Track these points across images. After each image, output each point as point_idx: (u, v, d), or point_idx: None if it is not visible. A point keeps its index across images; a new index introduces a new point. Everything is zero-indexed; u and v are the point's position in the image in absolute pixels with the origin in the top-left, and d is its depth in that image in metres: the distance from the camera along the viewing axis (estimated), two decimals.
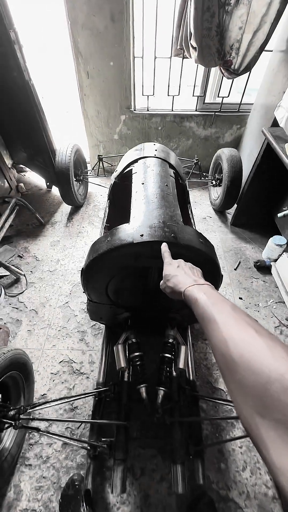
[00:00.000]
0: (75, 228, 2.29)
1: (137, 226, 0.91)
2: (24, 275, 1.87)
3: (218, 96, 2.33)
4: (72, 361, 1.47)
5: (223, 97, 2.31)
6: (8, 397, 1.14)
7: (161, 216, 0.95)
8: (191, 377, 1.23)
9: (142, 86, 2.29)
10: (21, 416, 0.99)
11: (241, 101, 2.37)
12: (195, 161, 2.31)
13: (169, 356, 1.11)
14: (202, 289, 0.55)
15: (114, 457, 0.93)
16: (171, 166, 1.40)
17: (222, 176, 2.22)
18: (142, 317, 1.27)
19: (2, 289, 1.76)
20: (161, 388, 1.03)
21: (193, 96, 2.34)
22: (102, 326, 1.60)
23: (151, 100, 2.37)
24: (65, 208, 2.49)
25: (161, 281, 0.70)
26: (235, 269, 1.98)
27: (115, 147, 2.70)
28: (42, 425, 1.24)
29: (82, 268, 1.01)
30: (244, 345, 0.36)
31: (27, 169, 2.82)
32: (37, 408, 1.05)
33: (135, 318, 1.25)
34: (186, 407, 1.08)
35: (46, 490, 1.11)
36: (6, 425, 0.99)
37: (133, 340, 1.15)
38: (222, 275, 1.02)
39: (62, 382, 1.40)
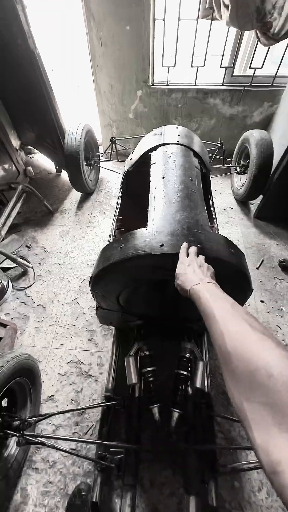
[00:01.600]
0: (85, 217, 2.16)
1: (156, 233, 0.77)
2: (32, 268, 1.78)
3: (249, 67, 2.02)
4: (80, 362, 1.41)
5: (255, 69, 2.00)
6: (15, 403, 1.10)
7: (185, 221, 0.81)
8: (206, 389, 1.13)
9: (163, 55, 2.00)
10: (25, 433, 0.93)
11: (276, 74, 2.05)
12: (219, 145, 2.06)
13: (185, 373, 1.01)
14: (206, 287, 0.57)
15: (123, 482, 0.87)
16: (195, 154, 1.21)
17: (248, 162, 1.98)
18: (156, 326, 1.17)
19: (10, 282, 1.70)
20: (175, 410, 0.94)
21: (220, 67, 2.04)
22: (112, 327, 1.51)
23: (171, 73, 2.09)
24: (75, 194, 2.34)
25: (175, 280, 0.70)
26: (257, 268, 1.81)
27: (129, 127, 2.47)
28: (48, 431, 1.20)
29: (91, 276, 0.89)
30: (238, 338, 0.40)
31: (36, 151, 2.65)
32: (41, 419, 0.99)
33: (148, 327, 1.15)
34: (201, 429, 0.99)
35: (53, 495, 1.08)
36: (11, 436, 0.95)
37: (146, 353, 1.05)
38: (252, 289, 0.88)
39: (70, 384, 1.34)
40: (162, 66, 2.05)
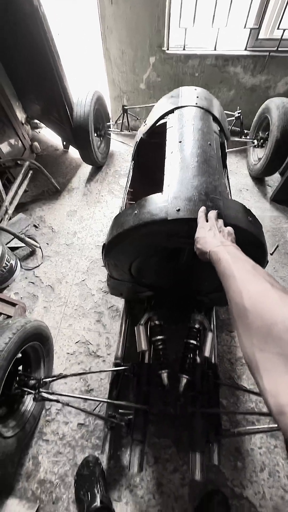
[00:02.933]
0: (93, 196, 2.09)
1: (173, 198, 0.74)
2: (40, 248, 1.77)
3: (277, 28, 1.80)
4: (88, 343, 1.43)
5: (284, 30, 1.78)
6: (29, 365, 1.15)
7: (203, 186, 0.76)
8: (213, 360, 1.15)
9: (180, 14, 1.79)
10: (41, 389, 0.99)
11: None
12: (237, 115, 1.89)
13: (194, 342, 1.02)
14: (227, 249, 0.56)
15: (132, 438, 0.92)
16: (215, 118, 1.12)
17: (267, 134, 1.83)
18: (167, 298, 1.16)
19: (18, 261, 1.69)
20: (184, 376, 0.97)
21: (244, 28, 1.82)
22: (120, 308, 1.51)
23: (189, 36, 1.89)
24: (83, 172, 2.26)
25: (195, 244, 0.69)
26: (271, 254, 1.74)
27: (141, 99, 2.30)
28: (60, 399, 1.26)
29: (104, 243, 0.87)
30: (257, 296, 0.39)
31: (42, 125, 2.54)
32: (55, 379, 1.05)
33: (158, 298, 1.15)
34: (207, 395, 1.02)
35: (63, 465, 1.14)
36: (27, 393, 1.02)
37: (156, 322, 1.06)
38: (268, 261, 0.85)
39: (78, 363, 1.37)
40: (179, 27, 1.85)
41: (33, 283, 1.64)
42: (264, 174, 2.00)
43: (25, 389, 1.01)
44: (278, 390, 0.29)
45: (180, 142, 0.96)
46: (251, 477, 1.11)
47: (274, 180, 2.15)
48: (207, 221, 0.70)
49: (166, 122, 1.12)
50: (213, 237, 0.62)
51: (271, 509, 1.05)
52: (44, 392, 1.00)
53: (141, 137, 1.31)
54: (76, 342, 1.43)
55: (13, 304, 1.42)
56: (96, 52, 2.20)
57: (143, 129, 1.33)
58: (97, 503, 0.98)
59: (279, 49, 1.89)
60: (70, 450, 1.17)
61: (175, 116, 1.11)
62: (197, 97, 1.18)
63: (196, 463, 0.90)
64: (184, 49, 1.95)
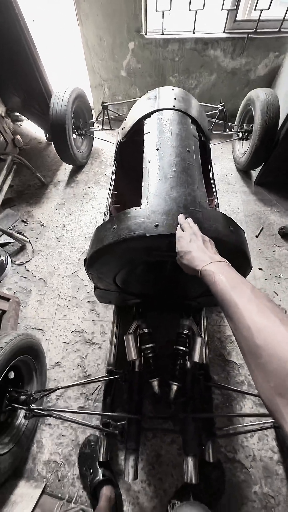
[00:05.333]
0: (80, 189, 2.08)
1: (151, 212, 0.74)
2: (30, 242, 1.77)
3: (255, 9, 1.79)
4: (84, 331, 1.47)
5: (261, 11, 1.77)
6: (21, 379, 1.15)
7: (181, 198, 0.77)
8: (204, 361, 1.18)
9: None
10: (32, 406, 0.99)
11: (284, 17, 1.82)
12: (220, 108, 1.88)
13: (183, 349, 1.04)
14: (219, 268, 0.55)
15: (126, 447, 0.93)
16: (193, 120, 1.11)
17: (251, 127, 1.84)
18: (155, 304, 1.18)
19: (9, 257, 1.70)
20: (174, 383, 0.99)
21: (222, 9, 1.80)
22: None
23: (167, 20, 1.86)
24: (68, 165, 2.24)
25: (177, 257, 0.67)
26: (256, 236, 1.80)
27: (122, 87, 2.27)
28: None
29: (85, 258, 0.88)
30: (269, 333, 0.38)
31: (23, 117, 2.48)
32: (47, 394, 1.06)
33: (146, 305, 1.16)
34: (199, 399, 1.04)
35: (66, 445, 1.20)
36: (19, 409, 1.02)
37: (145, 330, 1.07)
38: (251, 267, 0.88)
39: (75, 351, 1.42)
40: (156, 11, 1.81)
41: (25, 277, 1.66)
42: (250, 167, 2.01)
43: (16, 405, 1.00)
44: None
45: (158, 149, 0.94)
46: (242, 443, 1.20)
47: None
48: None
49: (145, 126, 1.10)
50: (198, 251, 0.61)
51: (261, 468, 1.15)
52: (36, 408, 0.99)
53: (121, 140, 1.30)
54: (72, 332, 1.47)
55: (7, 299, 1.44)
56: (74, 39, 2.15)
57: (122, 131, 1.31)
58: (100, 476, 1.04)
59: (257, 30, 1.88)
60: (72, 432, 1.23)
61: (153, 121, 1.08)
62: (175, 98, 1.16)
63: (189, 467, 0.90)
64: (162, 33, 1.92)
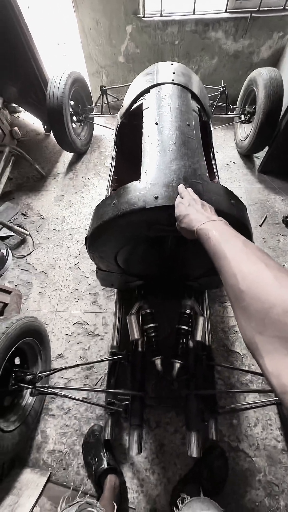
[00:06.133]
0: (79, 180, 2.05)
1: (150, 185, 0.72)
2: (30, 235, 1.76)
3: None
4: (86, 323, 1.47)
5: None
6: (26, 361, 1.17)
7: (181, 170, 0.75)
8: (207, 343, 1.18)
9: None
10: (37, 385, 1.00)
11: None
12: (221, 89, 1.82)
13: (186, 328, 1.04)
14: (215, 226, 0.54)
15: (130, 423, 0.95)
16: (193, 96, 1.08)
17: (254, 108, 1.78)
18: (157, 285, 1.17)
19: (9, 251, 1.69)
20: (177, 361, 0.99)
21: None
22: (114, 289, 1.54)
23: (166, 0, 1.78)
24: (67, 156, 2.20)
25: (176, 223, 0.66)
26: (260, 225, 1.76)
27: (120, 74, 2.21)
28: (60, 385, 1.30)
29: (86, 236, 0.86)
30: (252, 277, 0.38)
31: (20, 109, 2.43)
32: (52, 373, 1.06)
33: (148, 287, 1.15)
34: (201, 378, 1.05)
35: (70, 435, 1.21)
36: (25, 389, 1.03)
37: (147, 310, 1.07)
38: (253, 243, 0.85)
39: (78, 343, 1.41)
40: None
41: (26, 270, 1.65)
42: (253, 151, 1.95)
43: (22, 384, 1.02)
44: (280, 371, 0.30)
45: (157, 124, 0.92)
46: (246, 432, 1.19)
47: (261, 152, 2.12)
48: None
49: (143, 102, 1.07)
50: (195, 213, 0.60)
51: (264, 457, 1.14)
52: (41, 386, 1.02)
53: (121, 121, 1.27)
54: (74, 324, 1.47)
55: (8, 292, 1.44)
56: (70, 25, 2.07)
57: (121, 111, 1.28)
58: (104, 465, 1.05)
59: (260, 9, 1.80)
60: (76, 422, 1.23)
61: (151, 96, 1.06)
62: (174, 73, 1.12)
63: (192, 441, 0.92)
64: (161, 15, 1.85)
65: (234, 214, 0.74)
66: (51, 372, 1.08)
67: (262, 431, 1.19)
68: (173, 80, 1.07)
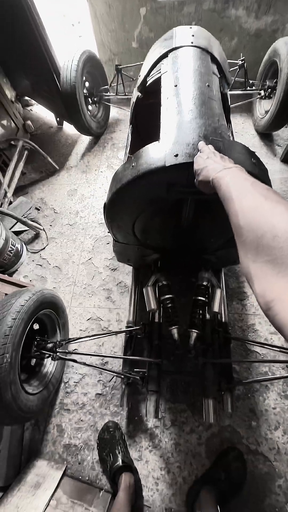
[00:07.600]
0: (92, 173, 2.02)
1: (170, 144, 0.70)
2: (44, 230, 1.76)
3: None
4: (99, 319, 1.45)
5: None
6: (46, 331, 1.22)
7: (202, 129, 0.72)
8: (223, 319, 1.16)
9: None
10: (58, 350, 1.05)
11: None
12: (240, 63, 1.69)
13: (203, 299, 1.02)
14: (229, 173, 0.52)
15: (147, 389, 0.96)
16: (213, 59, 1.03)
17: (275, 82, 1.65)
18: (173, 259, 1.15)
19: (24, 245, 1.70)
20: (193, 330, 0.99)
21: None
22: (128, 284, 1.51)
23: None
24: (80, 149, 2.17)
25: (195, 179, 0.64)
26: None
27: (133, 60, 2.11)
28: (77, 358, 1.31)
29: (105, 203, 0.84)
30: (250, 212, 0.39)
31: (33, 102, 2.41)
32: (71, 341, 1.11)
33: (165, 260, 1.14)
34: (218, 349, 1.05)
35: (85, 430, 1.21)
36: (46, 356, 1.09)
37: (164, 282, 1.06)
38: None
39: (92, 339, 1.40)
40: None
41: (40, 265, 1.66)
42: (272, 128, 1.83)
43: (44, 351, 1.06)
44: (265, 290, 0.32)
45: (176, 86, 0.89)
46: (265, 435, 1.14)
47: (284, 139, 1.99)
48: None
49: (161, 68, 1.03)
50: (213, 164, 0.58)
51: (286, 462, 1.09)
52: (61, 352, 1.06)
53: (137, 96, 1.22)
54: (88, 319, 1.46)
55: (23, 287, 1.45)
56: (82, 13, 2.00)
57: (137, 81, 1.23)
58: (119, 462, 1.04)
59: None
60: (90, 418, 1.23)
61: (169, 60, 1.02)
62: (193, 35, 1.07)
63: (209, 408, 0.93)
64: None
65: (256, 173, 0.69)
66: (70, 340, 1.11)
67: (283, 435, 1.14)
68: (192, 43, 1.03)
